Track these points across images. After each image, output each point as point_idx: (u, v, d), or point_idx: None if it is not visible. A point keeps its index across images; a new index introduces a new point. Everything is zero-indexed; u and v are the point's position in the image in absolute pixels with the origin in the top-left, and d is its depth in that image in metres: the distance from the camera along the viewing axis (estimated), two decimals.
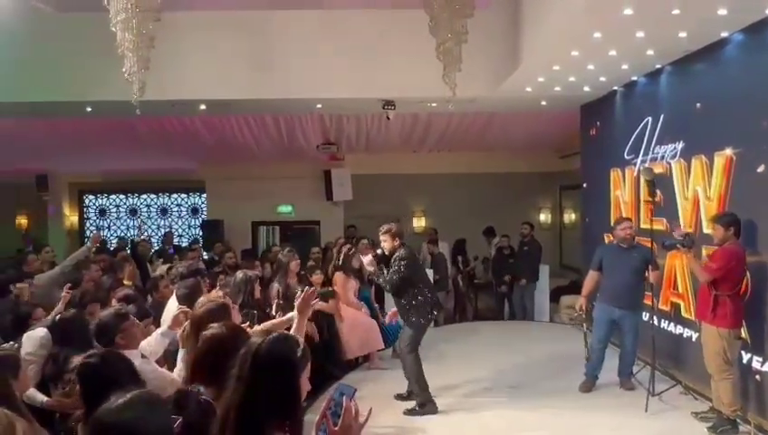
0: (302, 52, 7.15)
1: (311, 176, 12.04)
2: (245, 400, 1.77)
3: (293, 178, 12.00)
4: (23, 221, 13.79)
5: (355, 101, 7.92)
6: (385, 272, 5.52)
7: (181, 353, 3.28)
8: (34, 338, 3.92)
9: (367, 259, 5.69)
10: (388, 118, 8.21)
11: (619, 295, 5.78)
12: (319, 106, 8.39)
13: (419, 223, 12.66)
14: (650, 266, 5.64)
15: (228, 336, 2.38)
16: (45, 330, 3.99)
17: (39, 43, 7.03)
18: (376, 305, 7.46)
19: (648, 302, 6.06)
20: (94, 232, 7.42)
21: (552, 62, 6.24)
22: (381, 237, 5.69)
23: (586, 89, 7.39)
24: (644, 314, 6.17)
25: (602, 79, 6.92)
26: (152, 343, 3.63)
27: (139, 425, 1.56)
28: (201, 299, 3.56)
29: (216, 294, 4.38)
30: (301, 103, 8.03)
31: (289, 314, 3.95)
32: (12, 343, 3.75)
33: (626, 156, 7.25)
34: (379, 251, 5.72)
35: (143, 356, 3.32)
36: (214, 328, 2.46)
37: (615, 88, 7.47)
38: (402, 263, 5.47)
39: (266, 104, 8.05)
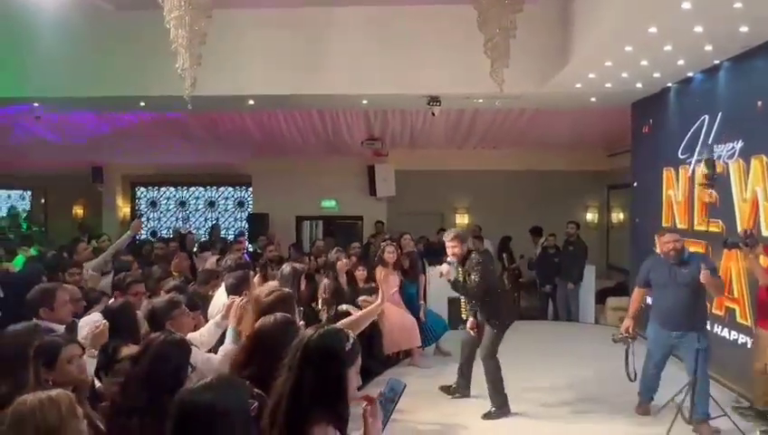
0: (349, 48, 7.20)
1: (355, 171, 12.10)
2: (294, 389, 1.81)
3: (338, 173, 12.09)
4: (79, 211, 14.35)
5: (400, 97, 7.92)
6: (463, 280, 5.29)
7: (230, 334, 3.39)
8: (90, 323, 4.05)
9: (444, 269, 5.30)
10: (433, 114, 8.17)
11: (674, 317, 4.94)
12: (365, 102, 8.42)
13: (462, 220, 12.57)
14: (703, 266, 4.74)
15: (279, 329, 2.44)
16: (100, 315, 4.12)
17: (97, 40, 7.30)
18: (421, 303, 7.44)
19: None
20: (135, 222, 7.60)
21: (604, 57, 6.09)
22: (450, 244, 5.39)
23: (638, 85, 7.18)
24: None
25: (656, 75, 6.72)
26: (205, 333, 3.72)
27: (218, 405, 1.69)
28: (264, 288, 3.63)
29: (274, 284, 4.43)
30: (347, 99, 8.08)
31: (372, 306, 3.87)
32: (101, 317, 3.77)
33: (680, 155, 7.02)
34: (449, 260, 5.33)
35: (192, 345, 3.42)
36: (266, 319, 2.52)
37: (669, 84, 7.24)
38: (479, 268, 5.24)
39: (313, 100, 8.13)
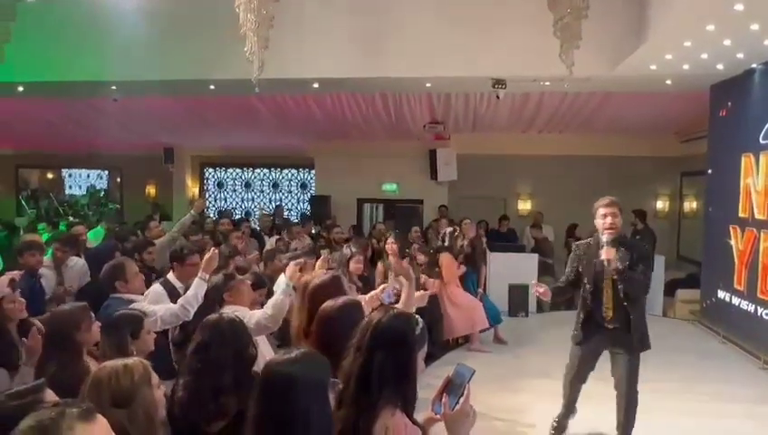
0: (415, 30, 7.13)
1: (416, 155, 12.06)
2: (363, 371, 1.82)
3: (399, 156, 12.09)
4: (151, 190, 15.02)
5: (465, 80, 7.80)
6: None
7: (282, 285, 3.59)
8: (153, 292, 4.24)
9: (611, 255, 3.84)
10: (498, 97, 8.01)
11: None
12: (428, 85, 8.35)
13: (524, 206, 12.34)
14: None
15: (342, 311, 2.50)
16: (159, 285, 4.33)
17: (170, 25, 7.53)
18: (479, 290, 7.40)
19: None
20: (198, 200, 7.82)
21: (682, 37, 5.77)
22: (607, 210, 4.01)
23: (719, 67, 6.78)
24: None
25: (739, 56, 6.31)
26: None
27: (302, 378, 1.71)
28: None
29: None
30: (411, 82, 8.03)
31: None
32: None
33: (761, 140, 6.60)
34: (607, 238, 3.91)
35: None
36: (329, 303, 2.58)
37: (753, 66, 6.79)
38: (648, 257, 4.05)
39: (377, 82, 8.13)
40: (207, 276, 3.77)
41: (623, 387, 4.04)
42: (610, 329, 4.01)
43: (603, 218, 4.02)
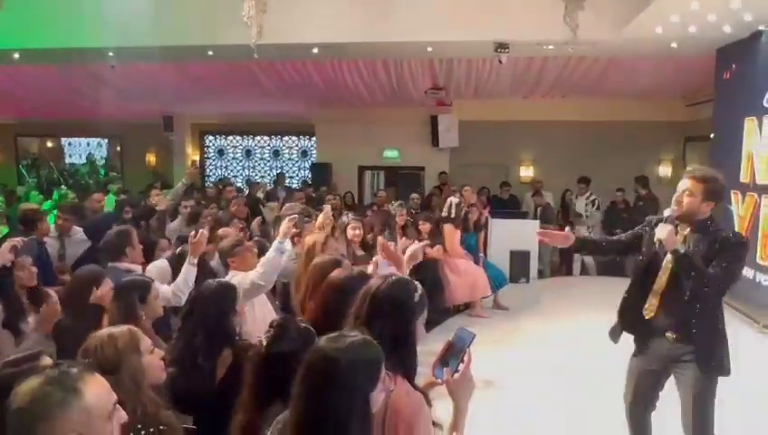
0: None
1: (417, 121, 11.96)
2: None
3: (400, 123, 11.99)
4: (152, 159, 14.97)
5: (467, 45, 7.67)
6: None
7: (274, 245, 3.68)
8: (157, 268, 4.26)
9: (663, 233, 2.99)
10: (501, 61, 7.89)
11: None
12: (430, 49, 8.22)
13: (527, 172, 12.28)
14: None
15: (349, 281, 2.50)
16: (165, 262, 4.35)
17: None
18: (482, 255, 7.42)
19: None
20: (190, 169, 7.76)
21: None
22: (681, 184, 3.23)
23: (726, 29, 6.65)
24: None
25: (747, 18, 6.18)
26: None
27: (344, 363, 1.54)
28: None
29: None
30: (412, 46, 7.91)
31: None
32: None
33: (765, 103, 6.52)
34: (667, 212, 3.16)
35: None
36: (335, 273, 2.57)
37: (761, 28, 6.66)
38: (735, 252, 3.04)
39: (378, 47, 8.00)
40: (195, 260, 3.76)
41: (684, 416, 3.08)
42: (671, 339, 3.06)
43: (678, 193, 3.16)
